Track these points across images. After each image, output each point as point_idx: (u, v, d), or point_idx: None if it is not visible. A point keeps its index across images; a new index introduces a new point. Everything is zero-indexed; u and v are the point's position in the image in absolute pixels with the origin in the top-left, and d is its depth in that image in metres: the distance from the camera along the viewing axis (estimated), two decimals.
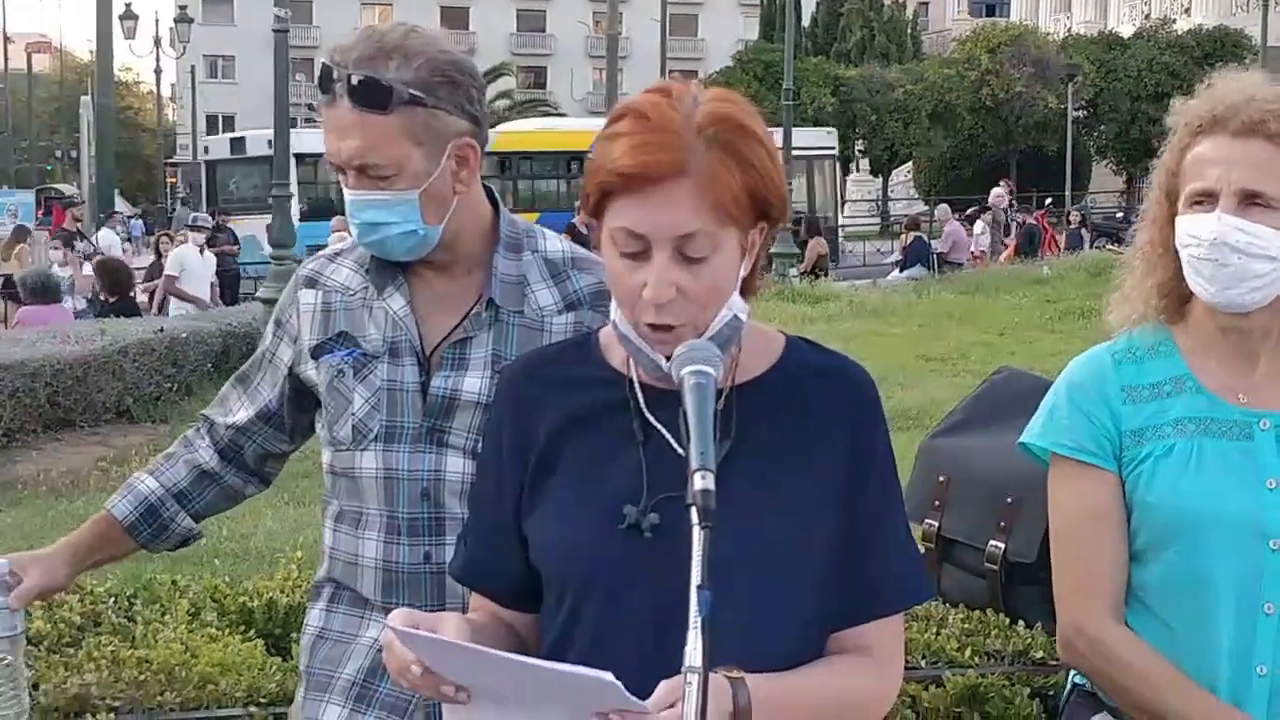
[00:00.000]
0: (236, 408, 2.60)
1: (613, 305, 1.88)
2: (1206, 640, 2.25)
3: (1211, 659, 2.24)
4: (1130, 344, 2.37)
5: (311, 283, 2.51)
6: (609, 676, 1.60)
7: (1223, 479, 2.25)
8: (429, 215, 2.33)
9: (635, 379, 1.91)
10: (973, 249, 25.66)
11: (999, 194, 28.24)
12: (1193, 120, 2.26)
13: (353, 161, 2.29)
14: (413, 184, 2.31)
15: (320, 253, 2.61)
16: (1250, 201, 2.19)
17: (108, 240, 22.97)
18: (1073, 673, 2.48)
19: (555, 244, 2.47)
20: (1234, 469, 2.25)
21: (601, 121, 1.91)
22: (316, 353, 2.45)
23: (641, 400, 1.89)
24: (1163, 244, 2.30)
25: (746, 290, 1.89)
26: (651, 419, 1.87)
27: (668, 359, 1.80)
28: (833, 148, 37.61)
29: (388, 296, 2.41)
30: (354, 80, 2.27)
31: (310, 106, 31.10)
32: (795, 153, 26.02)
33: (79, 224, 22.17)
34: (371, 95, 2.26)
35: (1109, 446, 2.32)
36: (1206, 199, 2.22)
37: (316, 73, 2.34)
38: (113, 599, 3.71)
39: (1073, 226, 30.60)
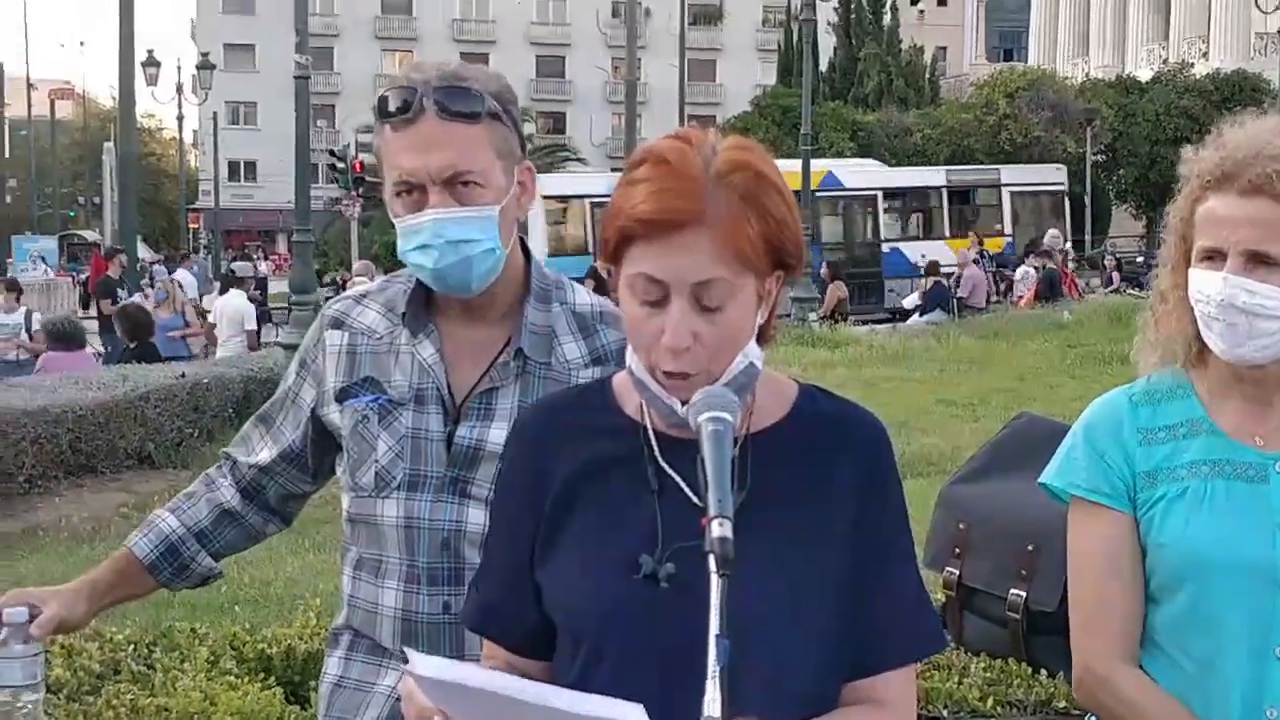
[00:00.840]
0: (259, 447, 2.59)
1: (629, 351, 1.88)
2: (1217, 682, 2.24)
3: (1222, 701, 2.24)
4: (1149, 387, 2.38)
5: (338, 324, 2.50)
6: (638, 710, 1.58)
7: (1235, 521, 2.24)
8: (503, 236, 2.35)
9: (650, 427, 1.90)
10: (1018, 294, 25.74)
11: (1055, 235, 28.37)
12: (1203, 173, 2.27)
13: (443, 174, 2.28)
14: (495, 199, 2.32)
15: (346, 294, 2.62)
16: (1257, 261, 2.19)
17: (186, 281, 22.99)
18: (1090, 716, 2.47)
19: (584, 297, 2.47)
20: (1247, 511, 2.25)
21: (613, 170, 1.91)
22: (341, 397, 2.45)
23: (656, 448, 1.89)
24: (1184, 288, 2.31)
25: (762, 338, 1.89)
26: (666, 467, 1.87)
27: (683, 404, 1.80)
28: (1061, 183, 37.88)
29: (418, 343, 2.40)
30: (444, 91, 2.28)
31: (332, 153, 31.33)
32: (1023, 188, 26.17)
33: (124, 270, 22.24)
34: (463, 102, 2.29)
35: (1123, 488, 2.33)
36: (1215, 256, 2.22)
37: (381, 102, 2.33)
38: (132, 646, 3.72)
39: (1108, 270, 30.91)
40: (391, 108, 2.32)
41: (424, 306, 2.42)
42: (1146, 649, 2.33)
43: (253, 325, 17.75)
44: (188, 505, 2.62)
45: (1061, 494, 2.39)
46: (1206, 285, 2.22)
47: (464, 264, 2.32)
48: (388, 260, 28.81)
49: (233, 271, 22.34)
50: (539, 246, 36.63)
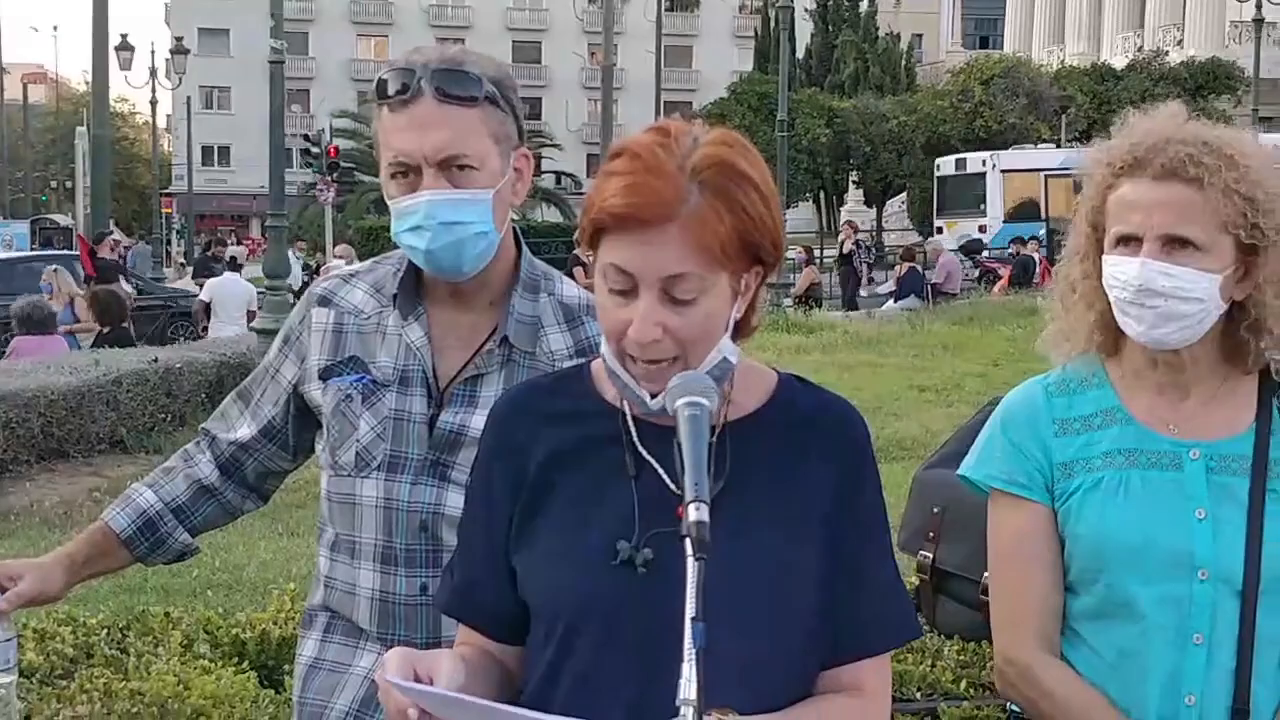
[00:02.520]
0: (238, 423, 2.59)
1: (602, 339, 1.88)
2: (1135, 670, 2.25)
3: (1140, 688, 2.25)
4: (1063, 376, 2.39)
5: (325, 301, 2.50)
6: None
7: (1151, 510, 2.25)
8: (497, 220, 2.34)
9: (628, 412, 1.90)
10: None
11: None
12: (1114, 160, 2.27)
13: (439, 155, 2.28)
14: (489, 183, 2.32)
15: (333, 272, 2.61)
16: (1174, 244, 2.20)
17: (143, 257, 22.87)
18: (1009, 704, 2.49)
19: (571, 289, 2.48)
20: (1162, 500, 2.26)
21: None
22: (325, 375, 2.45)
23: (634, 434, 1.89)
24: (1096, 277, 2.31)
25: (741, 332, 1.89)
26: (644, 452, 1.87)
27: (653, 396, 1.80)
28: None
29: (406, 325, 2.40)
30: (442, 74, 2.28)
31: (306, 138, 31.21)
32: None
33: (123, 249, 22.15)
34: (460, 85, 2.29)
35: (1040, 479, 2.34)
36: (1130, 241, 2.23)
37: (380, 84, 2.33)
38: (105, 631, 3.71)
39: None
40: (389, 89, 2.32)
41: (414, 289, 2.41)
42: (1066, 638, 2.34)
43: (255, 307, 17.70)
44: (165, 480, 2.61)
45: (980, 485, 2.40)
46: (1124, 270, 2.23)
47: (456, 246, 2.31)
48: (360, 246, 28.75)
49: (234, 258, 22.44)
50: (997, 213, 36.66)
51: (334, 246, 26.98)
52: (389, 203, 2.36)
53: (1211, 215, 2.19)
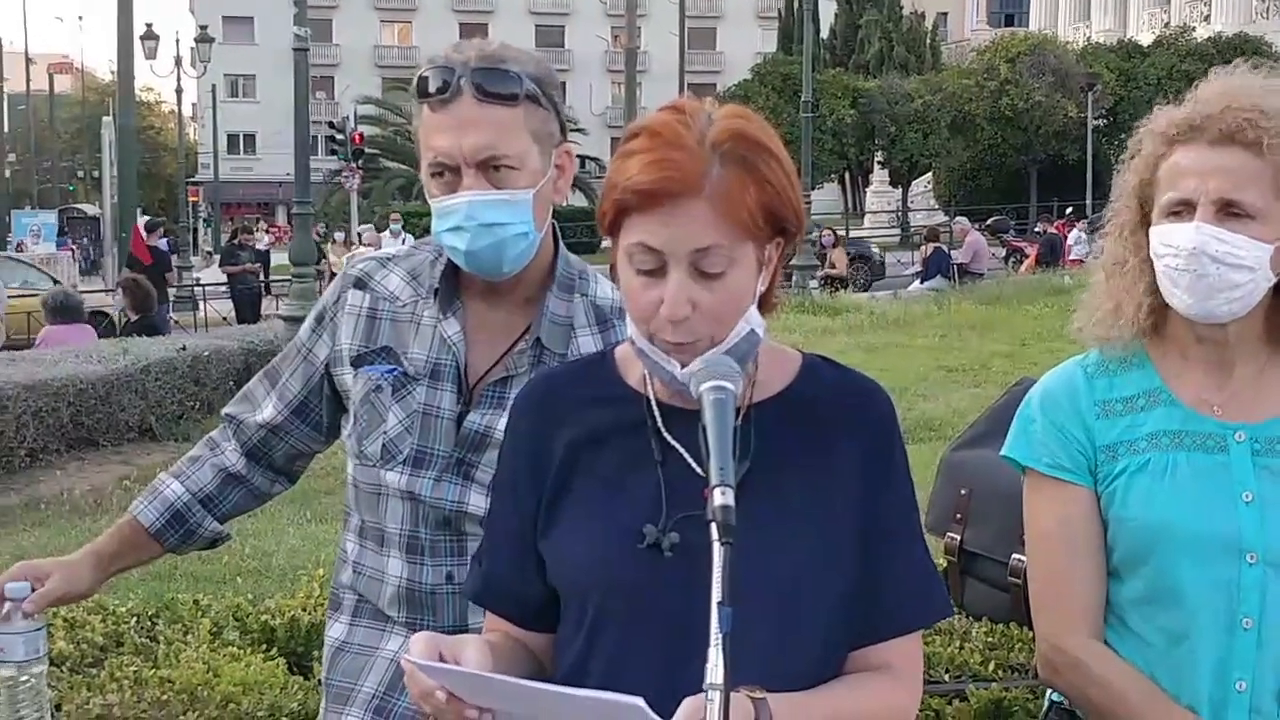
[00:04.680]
0: (265, 405, 2.57)
1: (628, 321, 1.87)
2: (1185, 656, 2.22)
3: (1191, 675, 2.22)
4: (1102, 357, 2.34)
5: (361, 284, 2.48)
6: (637, 701, 1.58)
7: (1198, 493, 2.22)
8: (538, 221, 2.33)
9: (652, 397, 1.90)
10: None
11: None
12: (1169, 129, 2.23)
13: (478, 155, 2.26)
14: (530, 183, 2.30)
15: (371, 254, 2.60)
16: (1228, 211, 2.16)
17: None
18: (1050, 691, 2.46)
19: (606, 290, 2.45)
20: (1209, 483, 2.22)
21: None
22: (357, 362, 2.44)
23: (659, 419, 1.88)
24: (1142, 253, 2.28)
25: (764, 306, 1.87)
26: (669, 437, 1.87)
27: (683, 366, 1.79)
28: None
29: (444, 319, 2.39)
30: (482, 72, 2.26)
31: (331, 124, 31.29)
32: None
33: (169, 236, 22.30)
34: (501, 83, 2.26)
35: (1084, 462, 2.30)
36: (1183, 208, 2.19)
37: (420, 82, 2.31)
38: (135, 619, 3.72)
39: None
40: (430, 88, 2.29)
41: (453, 282, 2.41)
42: (1110, 624, 2.31)
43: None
44: (192, 470, 2.60)
45: (1020, 466, 2.37)
46: (1176, 236, 2.18)
47: (496, 247, 2.29)
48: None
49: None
50: None
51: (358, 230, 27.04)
52: (430, 202, 2.34)
53: (1268, 182, 2.16)
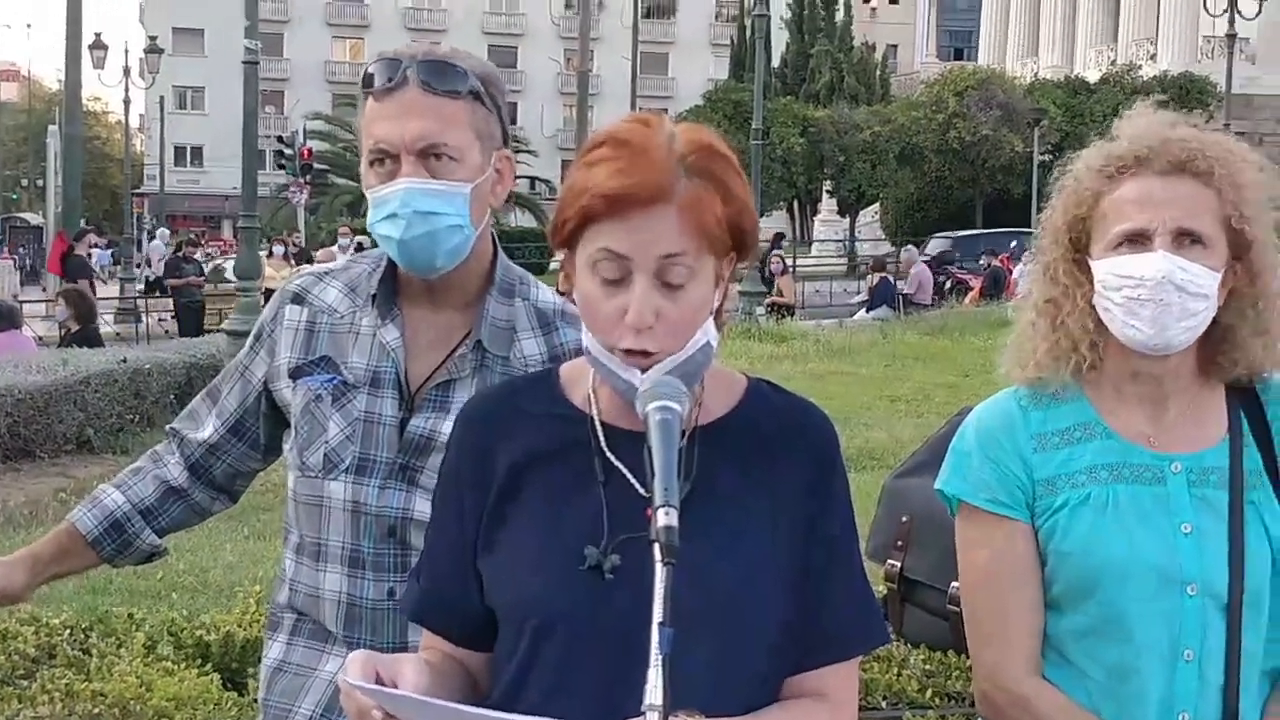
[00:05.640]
0: (206, 423, 2.56)
1: (584, 333, 1.86)
2: (1128, 689, 2.22)
3: (1137, 708, 2.22)
4: (1035, 389, 2.33)
5: (299, 299, 2.48)
6: None
7: (1138, 525, 2.22)
8: (474, 217, 2.33)
9: (596, 417, 1.90)
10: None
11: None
12: (1108, 163, 2.25)
13: (418, 144, 2.27)
14: (468, 177, 2.31)
15: (308, 269, 2.59)
16: (1184, 240, 2.18)
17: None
18: None
19: (547, 295, 2.46)
20: (1148, 515, 2.23)
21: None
22: (295, 374, 2.43)
23: (603, 438, 1.88)
24: (1078, 289, 2.27)
25: (716, 320, 1.88)
26: (612, 458, 1.86)
27: (642, 371, 1.79)
28: None
29: (382, 326, 2.38)
30: (428, 65, 2.28)
31: (280, 139, 31.13)
32: None
33: (93, 249, 22.07)
34: (446, 77, 2.29)
35: (1021, 497, 2.29)
36: (1137, 239, 2.20)
37: (366, 76, 2.33)
38: (68, 631, 3.69)
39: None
40: (374, 78, 2.31)
41: (391, 289, 2.40)
42: (1048, 658, 2.30)
43: None
44: (134, 481, 2.58)
45: (953, 501, 2.36)
46: (1137, 267, 2.18)
47: (430, 237, 2.29)
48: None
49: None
50: None
51: (301, 246, 26.90)
52: (367, 193, 2.34)
53: (1216, 210, 2.19)
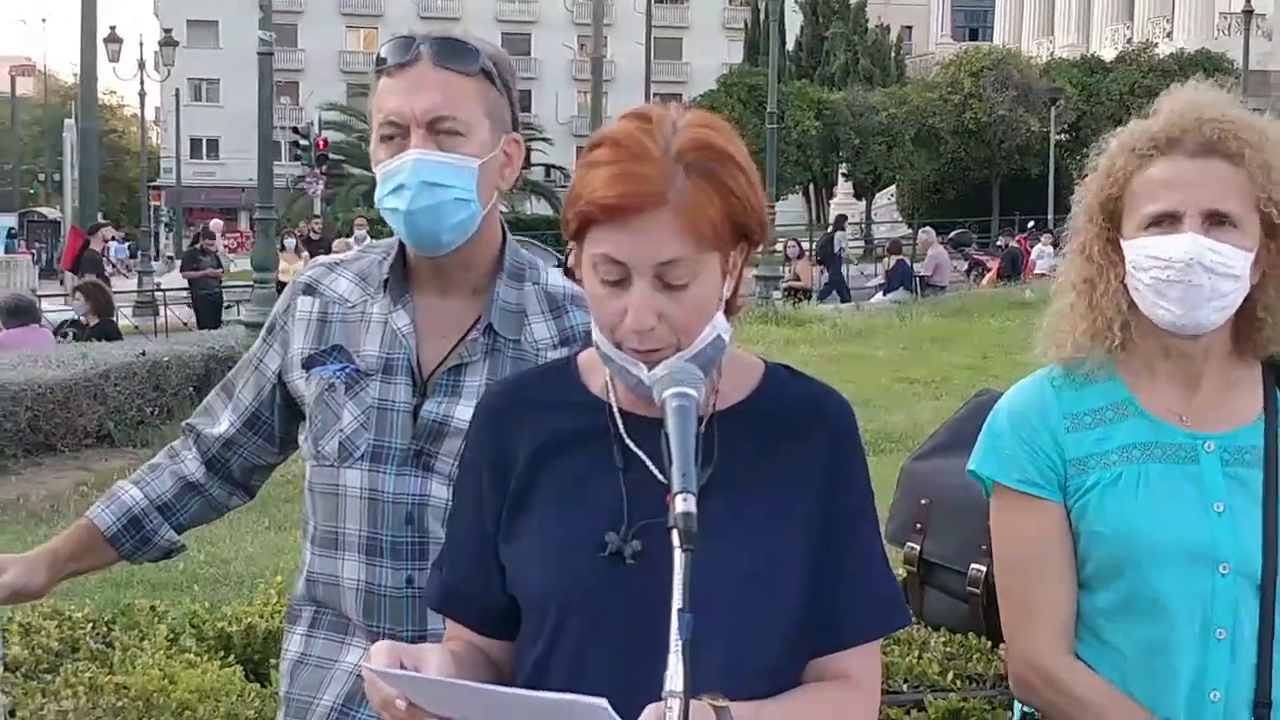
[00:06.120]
0: (222, 418, 2.57)
1: (594, 326, 1.87)
2: (1160, 667, 2.23)
3: (1167, 686, 2.23)
4: (1068, 370, 2.34)
5: (310, 290, 2.49)
6: (601, 702, 1.58)
7: (1170, 504, 2.23)
8: (482, 194, 2.34)
9: (614, 404, 1.90)
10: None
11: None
12: (1141, 143, 2.25)
13: (428, 115, 2.28)
14: (478, 153, 2.32)
15: (318, 260, 2.60)
16: (1215, 221, 2.18)
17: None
18: (1019, 704, 2.46)
19: (556, 278, 2.47)
20: (1181, 493, 2.23)
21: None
22: (309, 364, 2.43)
23: (621, 426, 1.88)
24: (1112, 269, 2.28)
25: (729, 310, 1.88)
26: (631, 444, 1.86)
27: (650, 368, 1.79)
28: None
29: (394, 312, 2.39)
30: (441, 41, 2.31)
31: (295, 130, 31.17)
32: None
33: (106, 244, 22.12)
34: (458, 54, 2.32)
35: (1054, 477, 2.30)
36: (1166, 221, 2.20)
37: (379, 58, 2.35)
38: (90, 625, 3.69)
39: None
40: (388, 56, 2.33)
41: (402, 280, 2.40)
42: (1080, 636, 2.31)
43: None
44: (151, 477, 2.59)
45: (987, 482, 2.37)
46: (1166, 248, 2.19)
47: (436, 210, 2.30)
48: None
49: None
50: None
51: (320, 234, 26.91)
52: (376, 169, 2.35)
53: (1247, 191, 2.18)
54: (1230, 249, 2.18)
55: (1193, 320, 2.21)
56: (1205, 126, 2.20)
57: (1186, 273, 2.17)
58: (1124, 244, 2.25)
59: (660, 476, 1.78)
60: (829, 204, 53.81)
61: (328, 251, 20.87)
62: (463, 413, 2.28)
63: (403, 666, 1.74)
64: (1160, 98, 2.33)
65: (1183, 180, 2.20)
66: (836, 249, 27.30)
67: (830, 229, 31.44)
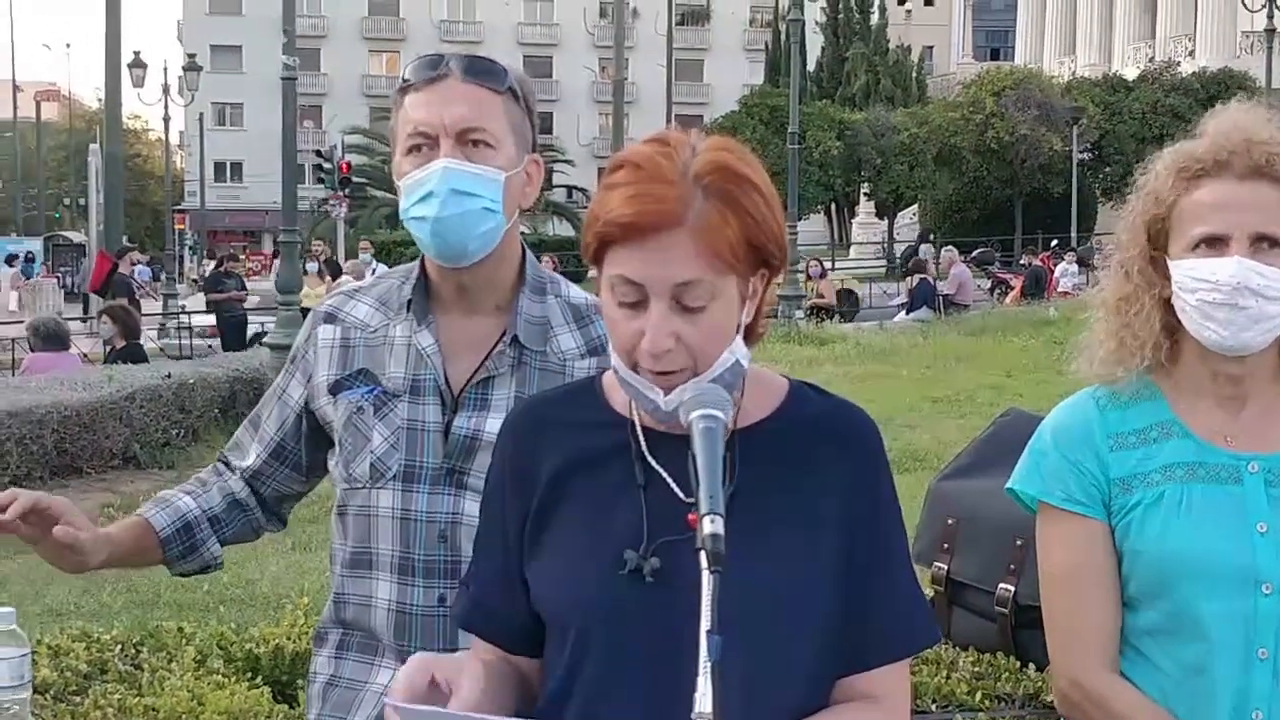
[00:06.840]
0: (250, 451, 2.59)
1: (611, 350, 1.87)
2: (1202, 687, 2.23)
3: (1208, 706, 2.22)
4: (1113, 389, 2.34)
5: (331, 318, 2.50)
6: None
7: (1213, 524, 2.22)
8: (507, 206, 2.36)
9: (637, 421, 1.90)
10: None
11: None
12: (1188, 164, 2.25)
13: (458, 126, 2.31)
14: (505, 166, 2.34)
15: (338, 289, 2.62)
16: (1261, 245, 2.18)
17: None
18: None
19: (578, 292, 2.49)
20: (1223, 514, 2.23)
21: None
22: (335, 389, 2.44)
23: (643, 443, 1.88)
24: (1150, 289, 2.28)
25: (750, 337, 1.88)
26: (653, 462, 1.87)
27: (666, 393, 1.80)
28: None
29: (418, 332, 2.40)
30: (469, 58, 2.36)
31: (318, 153, 31.29)
32: None
33: (133, 268, 22.20)
34: (487, 70, 2.36)
35: (1098, 495, 2.30)
36: (1214, 243, 2.20)
37: (405, 79, 2.38)
38: (119, 647, 3.70)
39: (1097, 268, 30.88)
40: (415, 73, 2.37)
41: (424, 300, 2.42)
42: (1126, 655, 2.31)
43: None
44: (201, 490, 2.59)
45: (1030, 501, 2.37)
46: (1213, 271, 2.19)
47: (463, 219, 2.31)
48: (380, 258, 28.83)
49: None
50: None
51: (330, 256, 27.03)
52: (400, 183, 2.36)
53: None
54: (1277, 272, 2.18)
55: (1239, 342, 2.21)
56: (1254, 149, 2.20)
57: (1233, 295, 2.18)
58: (1170, 265, 2.25)
59: (680, 494, 1.79)
60: (851, 224, 53.83)
61: (339, 274, 20.93)
62: (492, 426, 2.29)
63: (435, 679, 1.76)
64: (1205, 118, 2.33)
65: (1231, 203, 2.20)
66: (925, 258, 27.03)
67: (916, 240, 31.26)
